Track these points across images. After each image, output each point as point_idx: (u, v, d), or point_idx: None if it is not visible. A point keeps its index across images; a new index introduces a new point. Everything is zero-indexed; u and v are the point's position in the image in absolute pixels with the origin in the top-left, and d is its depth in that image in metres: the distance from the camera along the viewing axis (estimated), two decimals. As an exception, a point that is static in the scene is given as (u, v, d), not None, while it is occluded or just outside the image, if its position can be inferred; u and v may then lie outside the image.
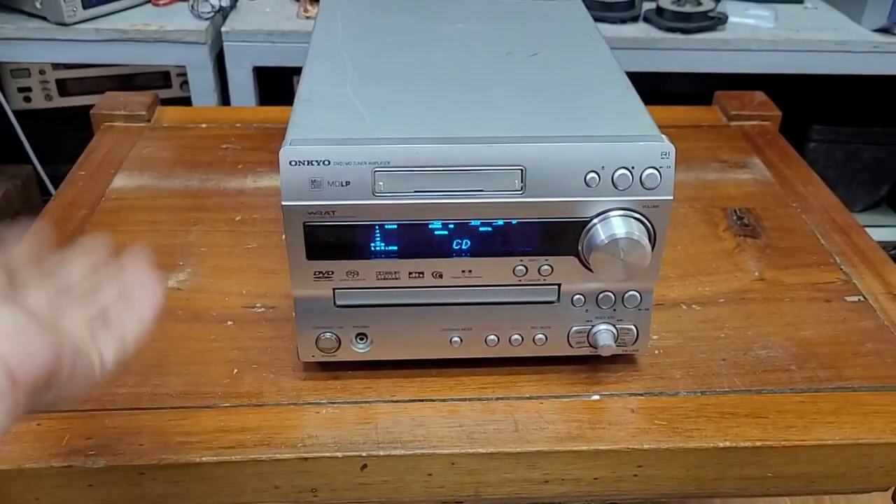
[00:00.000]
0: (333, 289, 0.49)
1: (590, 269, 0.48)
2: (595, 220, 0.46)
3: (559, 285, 0.49)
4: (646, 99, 0.51)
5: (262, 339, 0.56)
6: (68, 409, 0.49)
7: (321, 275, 0.48)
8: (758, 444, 0.49)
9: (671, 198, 0.46)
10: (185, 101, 1.33)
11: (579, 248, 0.48)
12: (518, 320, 0.51)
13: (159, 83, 1.49)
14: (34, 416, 0.41)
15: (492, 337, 0.51)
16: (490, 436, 0.49)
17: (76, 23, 1.18)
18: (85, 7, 1.18)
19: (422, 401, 0.51)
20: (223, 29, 1.20)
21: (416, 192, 0.45)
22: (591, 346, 0.52)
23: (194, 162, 0.77)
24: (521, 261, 0.48)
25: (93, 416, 0.49)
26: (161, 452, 0.47)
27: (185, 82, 1.41)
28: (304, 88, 0.52)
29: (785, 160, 0.80)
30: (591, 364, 0.54)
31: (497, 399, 0.51)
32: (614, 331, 0.51)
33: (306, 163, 0.44)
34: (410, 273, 0.48)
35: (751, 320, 0.59)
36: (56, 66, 1.48)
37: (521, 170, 0.45)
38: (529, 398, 0.51)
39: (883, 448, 0.49)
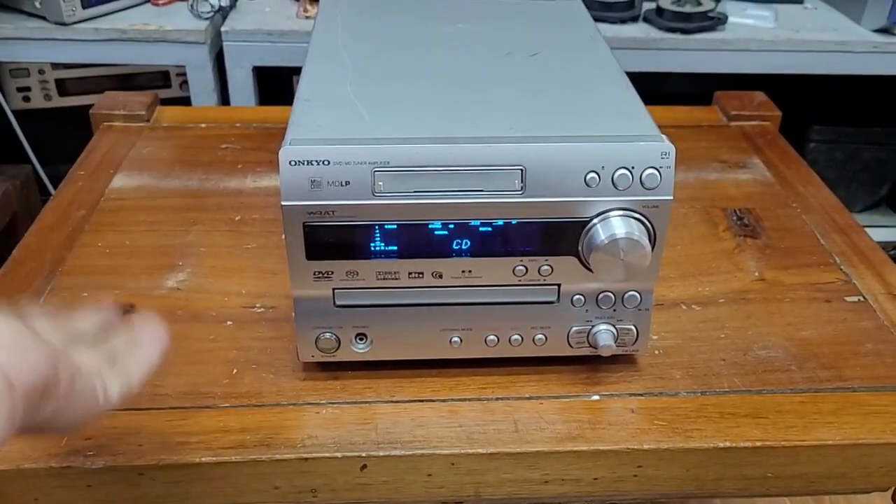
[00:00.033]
0: (333, 289, 0.49)
1: (590, 270, 0.48)
2: (595, 220, 0.46)
3: (559, 285, 0.49)
4: (646, 99, 0.51)
5: (262, 340, 0.55)
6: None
7: (321, 275, 0.48)
8: (758, 444, 0.49)
9: (671, 198, 0.46)
10: (185, 101, 1.33)
11: (579, 248, 0.47)
12: (518, 320, 0.51)
13: (159, 83, 1.49)
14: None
15: (492, 337, 0.51)
16: (490, 436, 0.49)
17: (75, 22, 1.18)
18: (84, 7, 1.18)
19: (421, 401, 0.51)
20: (223, 29, 1.20)
21: (415, 192, 0.45)
22: (590, 346, 0.52)
23: (194, 162, 0.77)
24: (521, 261, 0.48)
25: (92, 417, 0.49)
26: (160, 453, 0.47)
27: (185, 82, 1.41)
28: (303, 88, 0.52)
29: (785, 160, 0.80)
30: (590, 364, 0.54)
31: (497, 399, 0.51)
32: (614, 331, 0.51)
33: (306, 163, 0.44)
34: (410, 273, 0.48)
35: (751, 320, 0.59)
36: (55, 65, 1.47)
37: (521, 170, 0.45)
38: (529, 398, 0.51)
39: (883, 448, 0.49)
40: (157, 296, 0.59)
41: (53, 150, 1.32)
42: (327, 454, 0.47)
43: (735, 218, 0.70)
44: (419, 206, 0.46)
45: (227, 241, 0.66)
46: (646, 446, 0.48)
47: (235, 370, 0.53)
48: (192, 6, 1.22)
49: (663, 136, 0.46)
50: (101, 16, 1.20)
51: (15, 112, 1.34)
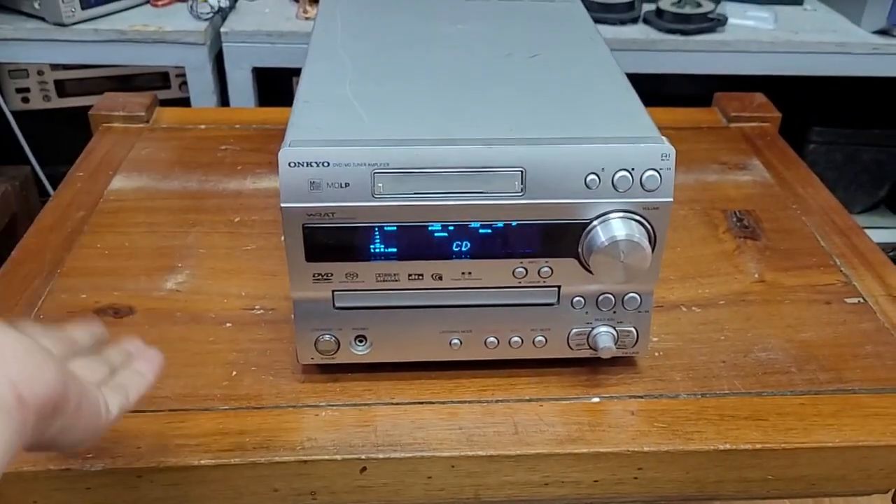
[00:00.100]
0: (332, 291, 0.49)
1: (590, 271, 0.48)
2: (595, 222, 0.46)
3: (559, 287, 0.49)
4: (645, 100, 0.51)
5: (261, 342, 0.55)
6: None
7: (320, 277, 0.48)
8: (758, 446, 0.49)
9: (671, 200, 0.46)
10: (184, 102, 1.33)
11: (579, 249, 0.47)
12: (518, 322, 0.51)
13: (158, 84, 1.49)
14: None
15: (491, 339, 0.51)
16: (490, 438, 0.49)
17: (75, 23, 1.17)
18: (83, 7, 1.18)
19: (421, 403, 0.51)
20: (222, 30, 1.20)
21: (415, 193, 0.45)
22: (590, 348, 0.51)
23: (193, 163, 0.77)
24: (521, 263, 0.48)
25: (91, 419, 0.49)
26: (159, 455, 0.47)
27: (184, 83, 1.41)
28: (303, 89, 0.52)
29: (784, 162, 0.80)
30: (590, 366, 0.53)
31: (497, 401, 0.51)
32: (614, 333, 0.51)
33: (305, 164, 0.44)
34: (410, 275, 0.48)
35: (751, 322, 0.58)
36: (54, 66, 1.47)
37: (521, 171, 0.45)
38: (529, 400, 0.51)
39: (883, 450, 0.49)
40: (157, 297, 0.59)
41: (52, 151, 1.32)
42: (327, 456, 0.47)
43: (735, 219, 0.70)
44: (419, 207, 0.45)
45: (226, 243, 0.66)
46: (646, 448, 0.48)
47: (235, 372, 0.53)
48: (191, 7, 1.22)
49: (663, 137, 0.46)
50: (100, 17, 1.20)
51: (14, 113, 1.34)
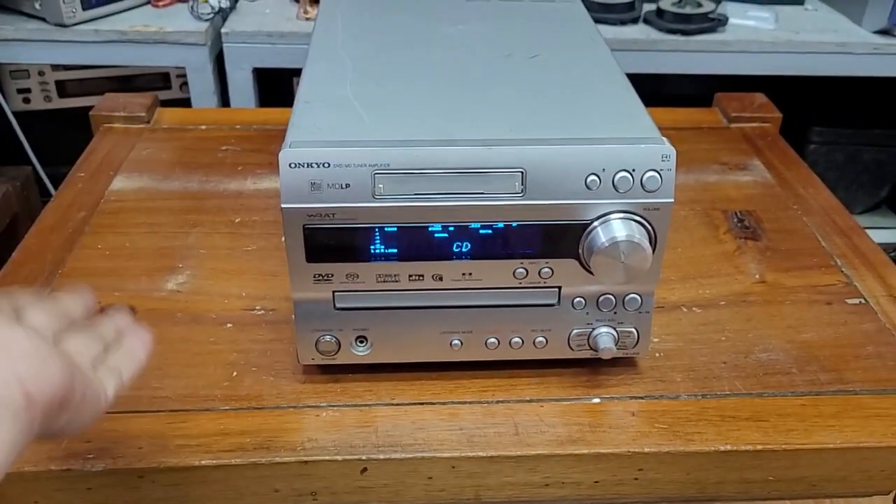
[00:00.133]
0: (333, 291, 0.49)
1: (590, 272, 0.48)
2: (595, 223, 0.46)
3: (559, 288, 0.49)
4: (646, 101, 0.51)
5: (262, 342, 0.55)
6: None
7: (321, 277, 0.48)
8: (759, 447, 0.49)
9: (672, 200, 0.46)
10: (185, 103, 1.33)
11: (580, 250, 0.47)
12: (518, 323, 0.51)
13: (159, 84, 1.49)
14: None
15: (492, 340, 0.51)
16: (490, 439, 0.49)
17: (75, 24, 1.18)
18: (84, 8, 1.18)
19: (422, 404, 0.51)
20: (223, 30, 1.20)
21: (415, 194, 0.45)
22: (591, 348, 0.51)
23: (194, 163, 0.77)
24: (522, 263, 0.48)
25: (92, 419, 0.49)
26: (160, 456, 0.47)
27: (185, 84, 1.41)
28: (304, 90, 0.52)
29: (785, 162, 0.80)
30: (591, 367, 0.53)
31: (497, 402, 0.51)
32: (615, 333, 0.51)
33: (306, 165, 0.44)
34: (410, 276, 0.48)
35: (751, 323, 0.58)
36: (55, 67, 1.47)
37: (522, 172, 0.45)
38: (530, 401, 0.51)
39: (884, 451, 0.49)
40: (157, 298, 0.59)
41: (53, 151, 1.32)
42: (327, 457, 0.47)
43: (736, 220, 0.70)
44: (419, 208, 0.45)
45: (227, 244, 0.66)
46: (646, 449, 0.48)
47: (235, 373, 0.53)
48: (192, 8, 1.22)
49: (664, 138, 0.46)
50: (101, 17, 1.20)
51: (15, 113, 1.34)
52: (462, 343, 0.51)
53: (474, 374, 0.53)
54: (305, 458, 0.47)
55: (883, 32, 1.25)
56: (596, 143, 0.45)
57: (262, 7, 1.29)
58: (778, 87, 1.04)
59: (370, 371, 0.52)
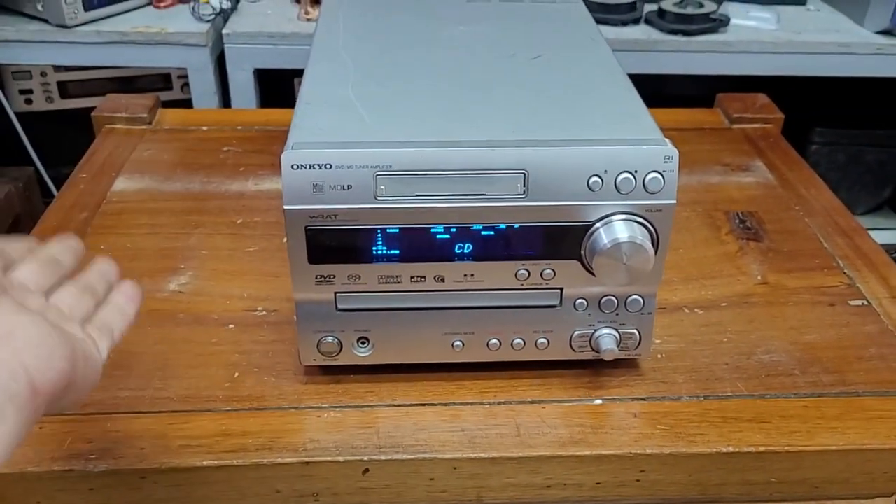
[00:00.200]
0: (335, 293, 0.48)
1: (592, 273, 0.48)
2: (598, 224, 0.46)
3: (561, 289, 0.49)
4: (647, 101, 0.51)
5: (264, 343, 0.55)
6: (70, 413, 0.49)
7: (323, 278, 0.48)
8: (761, 449, 0.49)
9: (674, 202, 0.46)
10: (186, 104, 1.33)
11: (582, 252, 0.47)
12: (520, 324, 0.51)
13: (160, 85, 1.49)
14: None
15: (494, 341, 0.51)
16: (492, 440, 0.48)
17: (77, 25, 1.18)
18: (86, 9, 1.18)
19: (424, 405, 0.51)
20: (224, 31, 1.20)
21: (418, 195, 0.45)
22: (593, 350, 0.51)
23: (195, 164, 0.77)
24: (524, 265, 0.48)
25: (94, 420, 0.49)
26: (162, 456, 0.47)
27: (186, 84, 1.41)
28: (306, 91, 0.52)
29: (787, 163, 0.80)
30: (593, 368, 0.53)
31: (499, 403, 0.51)
32: (617, 335, 0.51)
33: (308, 166, 0.44)
34: (412, 277, 0.48)
35: (754, 324, 0.58)
36: (57, 68, 1.48)
37: (524, 173, 0.45)
38: (532, 402, 0.51)
39: (887, 454, 0.49)
40: (159, 299, 0.59)
41: (55, 152, 1.32)
42: (329, 458, 0.47)
43: (738, 221, 0.70)
44: (421, 209, 0.45)
45: (228, 244, 0.66)
46: (648, 451, 0.48)
47: (237, 373, 0.53)
48: (193, 9, 1.22)
49: (666, 139, 0.46)
50: (102, 18, 1.20)
51: (17, 114, 1.34)
52: (464, 344, 0.51)
53: (476, 375, 0.53)
54: (307, 459, 0.47)
55: (885, 33, 1.25)
56: (598, 145, 0.45)
57: (263, 8, 1.29)
58: (780, 88, 1.04)
59: (372, 372, 0.52)
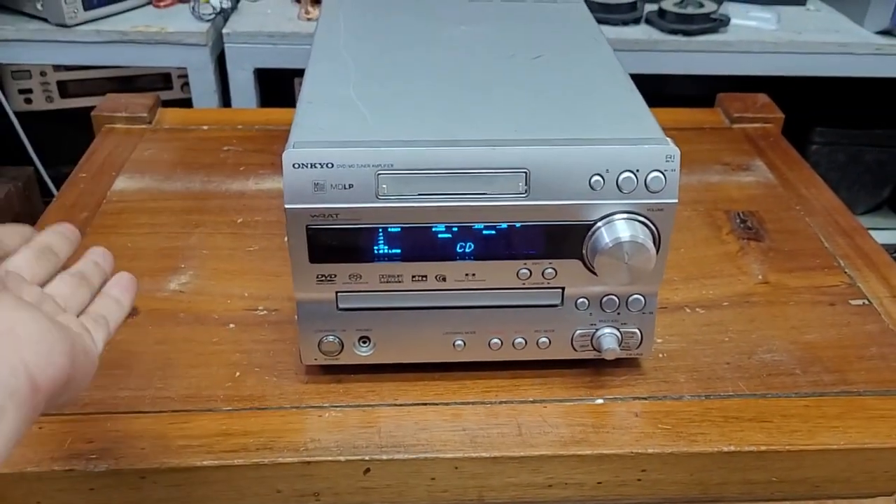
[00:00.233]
0: (336, 292, 0.48)
1: (594, 273, 0.48)
2: (599, 224, 0.46)
3: (563, 289, 0.49)
4: (648, 101, 0.51)
5: (265, 343, 0.55)
6: (70, 413, 0.49)
7: (324, 278, 0.48)
8: (762, 448, 0.49)
9: (676, 201, 0.46)
10: (187, 103, 1.33)
11: (583, 251, 0.47)
12: (521, 324, 0.51)
13: (160, 85, 1.49)
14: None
15: (495, 340, 0.51)
16: (493, 440, 0.48)
17: (77, 24, 1.18)
18: (86, 9, 1.18)
19: (425, 404, 0.51)
20: (224, 30, 1.20)
21: (419, 194, 0.45)
22: (594, 349, 0.51)
23: (196, 164, 0.77)
24: (525, 264, 0.48)
25: (94, 420, 0.49)
26: (162, 456, 0.47)
27: (186, 84, 1.41)
28: (307, 90, 0.52)
29: (788, 162, 0.80)
30: (594, 368, 0.53)
31: (500, 403, 0.51)
32: (618, 334, 0.51)
33: (309, 165, 0.44)
34: (414, 276, 0.48)
35: (755, 324, 0.58)
36: (57, 67, 1.48)
37: (526, 172, 0.45)
38: (533, 402, 0.51)
39: (888, 453, 0.49)
40: (160, 298, 0.59)
41: (55, 151, 1.32)
42: (330, 458, 0.47)
43: (738, 221, 0.70)
44: (423, 208, 0.45)
45: (229, 244, 0.66)
46: (650, 450, 0.48)
47: (238, 373, 0.53)
48: (193, 8, 1.22)
49: (668, 139, 0.46)
50: (102, 18, 1.20)
51: (17, 114, 1.34)
52: (465, 343, 0.51)
53: (477, 374, 0.53)
54: (308, 459, 0.47)
55: (885, 33, 1.25)
56: (600, 144, 0.45)
57: (263, 7, 1.29)
58: (780, 88, 1.04)
59: (373, 371, 0.52)
